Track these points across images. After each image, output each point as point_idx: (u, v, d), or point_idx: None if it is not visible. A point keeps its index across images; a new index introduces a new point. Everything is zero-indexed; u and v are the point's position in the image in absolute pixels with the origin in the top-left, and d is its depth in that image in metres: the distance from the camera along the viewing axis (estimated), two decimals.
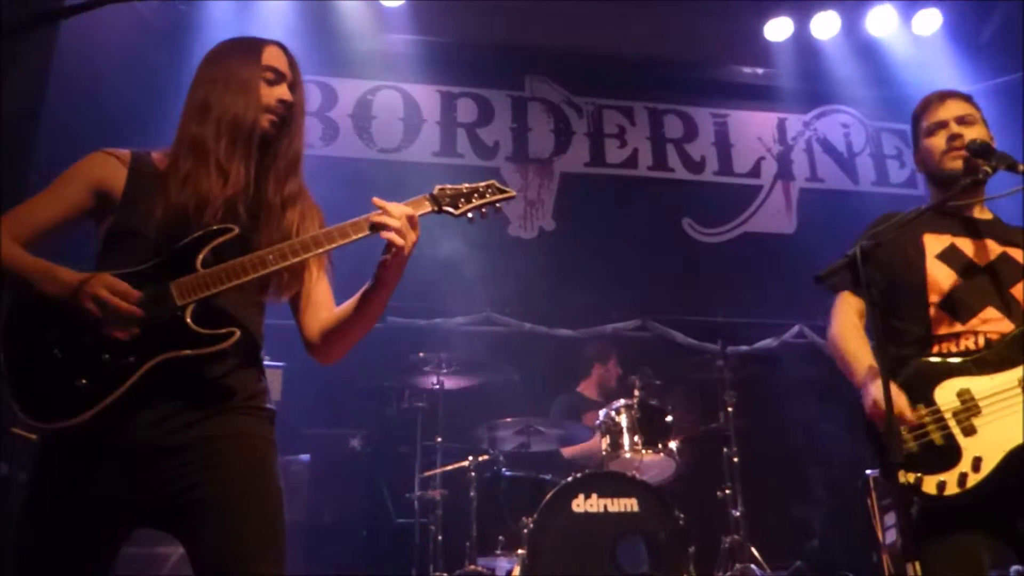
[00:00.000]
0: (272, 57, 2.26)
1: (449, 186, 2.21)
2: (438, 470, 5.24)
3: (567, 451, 5.62)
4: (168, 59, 5.93)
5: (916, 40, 6.97)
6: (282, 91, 2.23)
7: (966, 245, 2.77)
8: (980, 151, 2.75)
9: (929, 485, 2.42)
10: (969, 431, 2.46)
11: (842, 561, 5.57)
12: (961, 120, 2.89)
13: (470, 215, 2.21)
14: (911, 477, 2.43)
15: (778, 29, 7.05)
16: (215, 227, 2.07)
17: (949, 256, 2.74)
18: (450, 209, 2.19)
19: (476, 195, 2.22)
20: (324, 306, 2.28)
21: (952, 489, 2.40)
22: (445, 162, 6.97)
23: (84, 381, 1.92)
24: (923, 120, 2.94)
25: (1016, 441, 2.42)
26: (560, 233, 7.05)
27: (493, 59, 7.20)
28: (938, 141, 2.87)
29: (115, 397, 1.91)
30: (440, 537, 5.00)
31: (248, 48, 2.27)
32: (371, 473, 5.92)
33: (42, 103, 4.47)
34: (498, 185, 2.27)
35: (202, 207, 2.08)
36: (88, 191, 2.13)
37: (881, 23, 6.97)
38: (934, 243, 2.77)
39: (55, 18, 3.40)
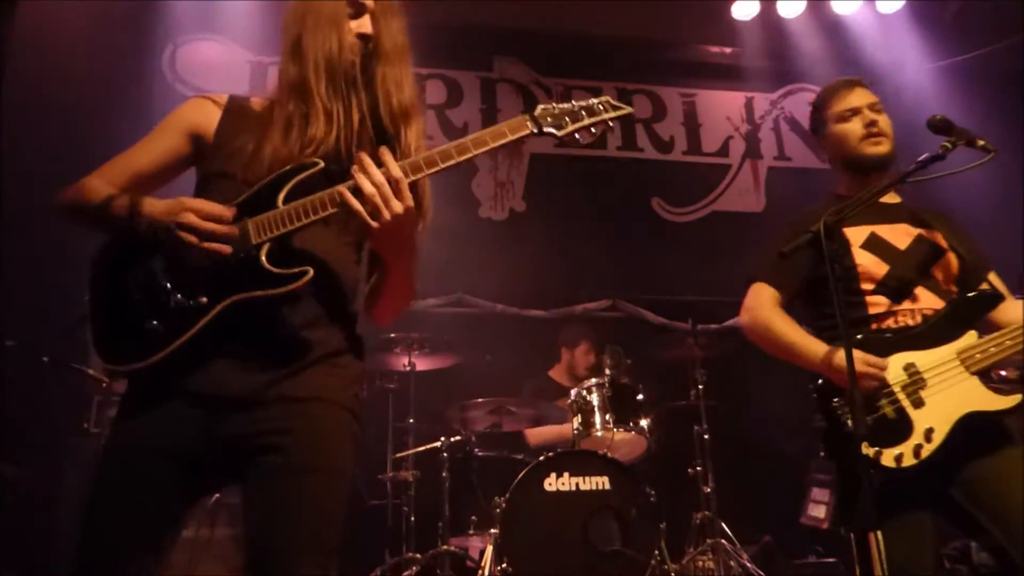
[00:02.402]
0: None
1: (554, 104, 1.99)
2: (410, 451, 5.25)
3: (533, 437, 5.62)
4: (130, 43, 5.88)
5: (881, 19, 7.01)
6: (361, 23, 2.11)
7: (885, 232, 2.82)
8: (941, 127, 2.78)
9: (887, 458, 2.48)
10: (918, 403, 2.55)
11: (809, 534, 5.65)
12: (872, 107, 2.95)
13: (578, 135, 1.99)
14: (870, 451, 2.49)
15: (745, 8, 7.06)
16: (299, 162, 1.95)
17: (873, 244, 2.80)
18: (552, 130, 1.96)
19: (585, 112, 1.99)
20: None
21: (909, 460, 2.48)
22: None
23: (156, 323, 1.86)
24: (830, 107, 2.99)
25: (961, 411, 2.51)
26: (530, 214, 7.06)
27: (461, 40, 7.15)
28: (854, 127, 2.92)
29: (185, 340, 1.84)
30: (413, 518, 5.02)
31: None
32: None
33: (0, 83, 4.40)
34: (612, 101, 2.02)
35: (306, 149, 1.99)
36: (183, 136, 2.08)
37: (846, 2, 7.00)
38: (855, 235, 2.82)
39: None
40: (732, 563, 4.92)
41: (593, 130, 2.00)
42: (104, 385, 4.62)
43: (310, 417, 1.91)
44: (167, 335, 1.85)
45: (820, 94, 3.07)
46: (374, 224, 1.86)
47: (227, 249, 1.85)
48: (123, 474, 1.88)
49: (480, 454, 5.21)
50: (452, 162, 1.91)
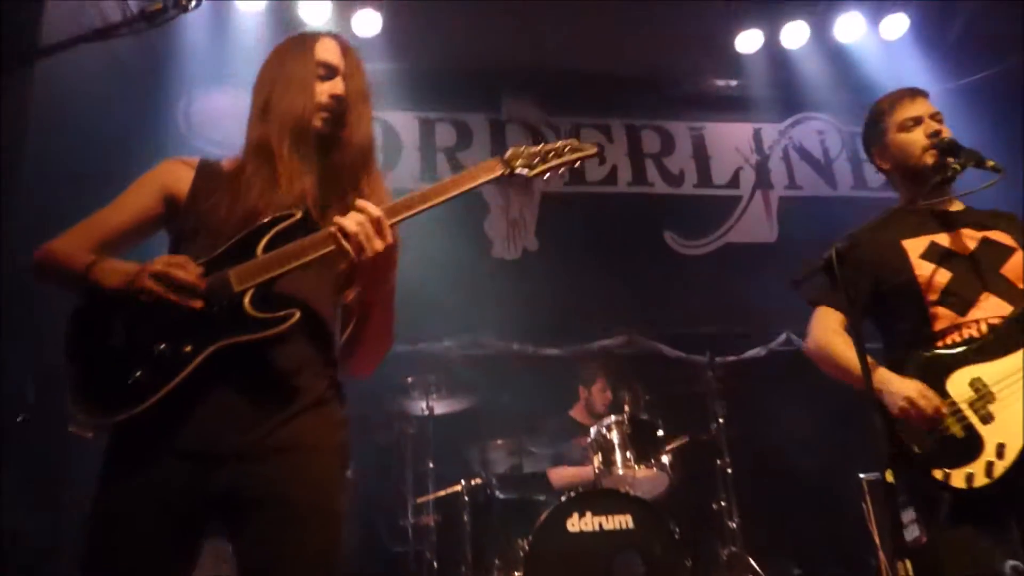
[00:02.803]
0: (324, 51, 2.21)
1: (524, 147, 2.09)
2: (431, 496, 5.21)
3: (556, 478, 5.58)
4: (146, 99, 5.95)
5: (885, 44, 7.03)
6: (333, 86, 2.17)
7: (945, 240, 2.77)
8: (949, 148, 2.78)
9: (958, 479, 2.42)
10: (987, 419, 2.47)
11: (839, 566, 5.55)
12: (934, 117, 2.91)
13: (546, 176, 2.09)
14: (939, 474, 2.44)
15: (749, 41, 7.09)
16: (278, 214, 2.01)
17: (933, 254, 2.74)
18: (523, 171, 2.06)
19: (553, 154, 2.09)
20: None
21: (981, 480, 2.40)
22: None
23: (140, 373, 1.86)
24: (892, 115, 2.93)
25: None
26: (544, 253, 7.05)
27: (469, 83, 7.22)
28: (917, 136, 2.87)
29: (171, 388, 1.85)
30: (435, 564, 4.97)
31: (301, 45, 2.24)
32: (364, 503, 5.88)
33: (24, 146, 4.46)
34: (577, 144, 2.12)
35: (267, 206, 2.03)
36: (157, 196, 2.12)
37: (849, 30, 7.02)
38: (914, 246, 2.78)
39: (30, 60, 3.40)
40: None
41: (561, 171, 2.11)
42: (90, 437, 4.56)
43: (302, 467, 1.94)
44: (153, 384, 1.86)
45: (879, 103, 3.01)
46: (360, 259, 1.90)
47: (197, 303, 1.88)
48: (118, 542, 1.86)
49: (501, 496, 5.17)
50: (431, 204, 1.98)
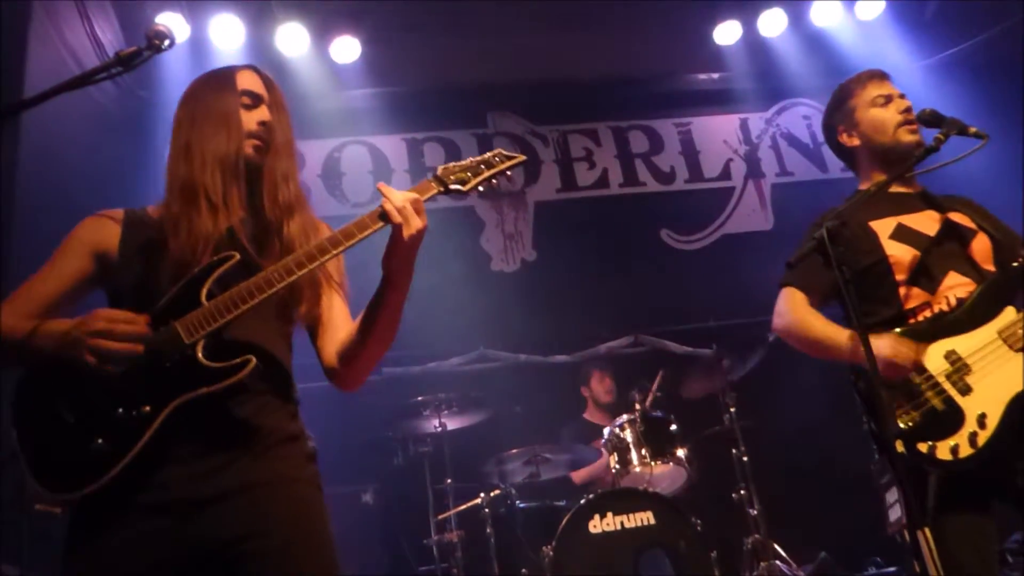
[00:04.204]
0: (246, 81, 2.19)
1: (453, 163, 2.08)
2: (452, 511, 5.22)
3: (577, 476, 5.62)
4: (132, 145, 5.98)
5: (862, 25, 7.07)
6: (261, 113, 2.16)
7: (911, 220, 2.80)
8: (931, 119, 2.80)
9: (943, 451, 2.43)
10: (965, 390, 2.49)
11: (865, 546, 5.55)
12: (903, 97, 2.95)
13: (480, 188, 2.09)
14: (924, 447, 2.44)
15: (727, 32, 7.14)
16: (215, 259, 1.96)
17: (901, 235, 2.77)
18: (458, 187, 2.05)
19: (484, 166, 2.10)
20: (341, 327, 2.14)
21: (965, 450, 2.41)
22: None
23: (101, 441, 1.81)
24: (863, 94, 2.96)
25: (1013, 390, 2.45)
26: (542, 262, 7.09)
27: (453, 101, 7.27)
28: (890, 114, 2.89)
29: (136, 452, 1.80)
30: None
31: (220, 79, 2.21)
32: (387, 525, 5.89)
33: (13, 199, 4.48)
34: (505, 152, 2.13)
35: (199, 246, 1.99)
36: (86, 256, 2.06)
37: (826, 14, 7.07)
38: (882, 227, 2.80)
39: (16, 111, 3.42)
40: None
41: (494, 181, 2.11)
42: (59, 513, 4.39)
43: (280, 499, 1.92)
44: (114, 451, 1.81)
45: (847, 84, 3.03)
46: (408, 233, 1.91)
47: (139, 348, 1.83)
48: None
49: (522, 505, 5.18)
50: (371, 230, 1.97)
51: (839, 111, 3.03)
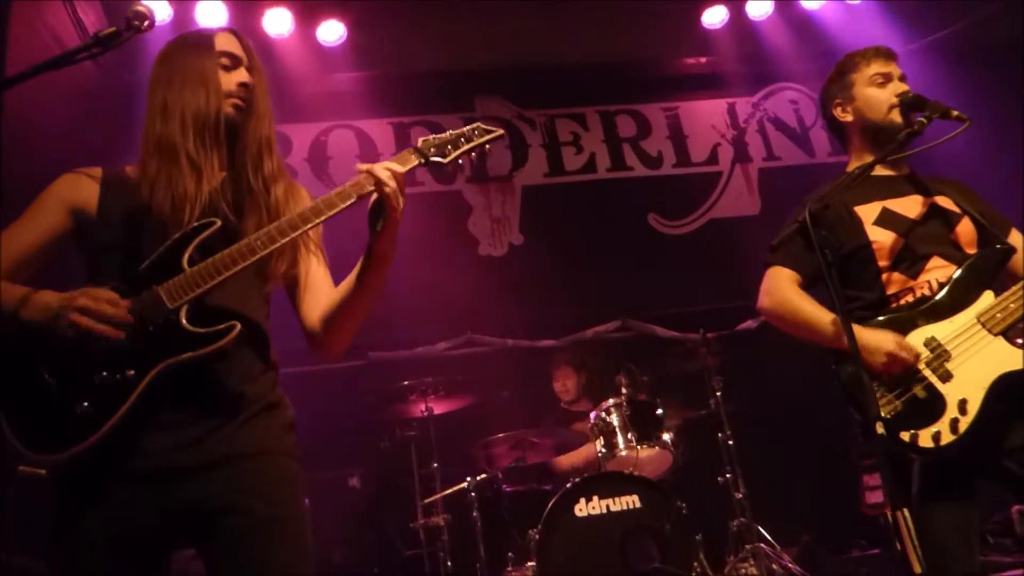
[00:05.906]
0: (225, 43, 2.18)
1: (433, 136, 2.11)
2: (438, 495, 5.23)
3: (561, 462, 5.61)
4: (116, 127, 5.94)
5: (849, 8, 7.05)
6: (240, 75, 2.15)
7: (896, 205, 2.80)
8: (914, 103, 2.80)
9: (925, 439, 2.44)
10: (946, 377, 2.50)
11: (848, 528, 5.59)
12: (902, 79, 2.94)
13: (460, 161, 2.12)
14: (906, 436, 2.45)
15: (714, 16, 7.12)
16: (196, 224, 1.97)
17: (886, 220, 2.77)
18: (438, 159, 2.09)
19: (463, 139, 2.12)
20: (323, 292, 2.16)
21: (947, 437, 2.43)
22: (407, 192, 6.97)
23: (86, 404, 1.82)
24: (864, 69, 2.94)
25: (993, 375, 2.46)
26: (529, 246, 7.07)
27: (440, 85, 7.23)
28: (887, 94, 2.88)
29: (120, 416, 1.82)
30: (449, 563, 4.99)
31: (198, 39, 2.19)
32: (374, 509, 5.90)
33: None
34: (484, 126, 2.16)
35: (180, 207, 1.99)
36: (63, 212, 2.04)
37: None
38: (867, 212, 2.79)
39: None
40: (775, 567, 4.87)
41: (473, 155, 2.14)
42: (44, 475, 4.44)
43: (260, 472, 1.94)
44: (99, 414, 1.82)
45: (851, 56, 3.00)
46: (395, 204, 1.95)
47: (120, 334, 1.84)
48: (86, 564, 1.85)
49: (508, 489, 5.20)
50: (358, 195, 2.01)
51: (838, 83, 3.02)
